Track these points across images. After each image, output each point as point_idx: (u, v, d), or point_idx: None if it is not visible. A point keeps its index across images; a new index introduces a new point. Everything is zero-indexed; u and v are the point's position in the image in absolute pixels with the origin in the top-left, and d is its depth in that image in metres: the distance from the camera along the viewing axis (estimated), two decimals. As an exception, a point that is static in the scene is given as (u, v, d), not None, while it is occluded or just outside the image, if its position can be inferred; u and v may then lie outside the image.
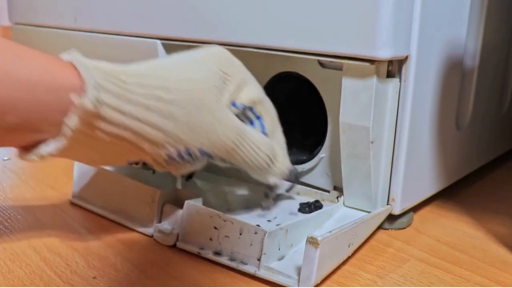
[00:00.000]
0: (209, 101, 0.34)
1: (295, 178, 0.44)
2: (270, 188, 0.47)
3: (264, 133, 0.40)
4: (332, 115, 0.46)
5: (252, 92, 0.39)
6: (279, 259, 0.38)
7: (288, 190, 0.50)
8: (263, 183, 0.41)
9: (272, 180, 0.40)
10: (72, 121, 0.28)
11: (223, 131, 0.35)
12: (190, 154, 0.34)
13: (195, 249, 0.39)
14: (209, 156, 0.35)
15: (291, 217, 0.45)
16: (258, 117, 0.40)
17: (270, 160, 0.39)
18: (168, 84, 0.33)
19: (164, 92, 0.32)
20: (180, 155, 0.34)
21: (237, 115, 0.37)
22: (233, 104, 0.37)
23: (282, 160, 0.41)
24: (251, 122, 0.40)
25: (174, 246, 0.40)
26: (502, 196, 0.55)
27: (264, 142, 0.38)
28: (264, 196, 0.48)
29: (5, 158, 0.62)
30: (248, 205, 0.48)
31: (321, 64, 0.46)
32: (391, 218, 0.45)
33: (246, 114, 0.39)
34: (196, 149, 0.34)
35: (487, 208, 0.51)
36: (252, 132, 0.38)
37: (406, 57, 0.40)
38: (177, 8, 0.49)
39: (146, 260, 0.39)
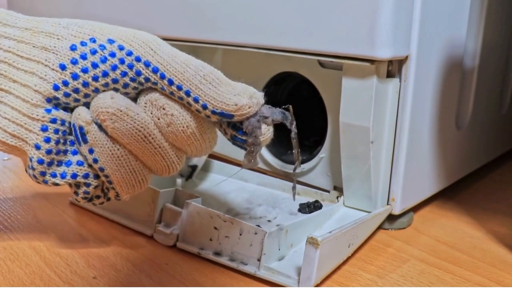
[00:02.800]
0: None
1: (283, 114, 0.34)
2: (248, 133, 0.33)
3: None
4: (332, 115, 0.46)
5: None
6: (279, 260, 0.38)
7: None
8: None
9: (243, 101, 0.31)
10: None
11: (135, 30, 0.33)
12: (102, 47, 0.32)
13: (195, 249, 0.39)
14: (129, 53, 0.32)
15: (291, 217, 0.45)
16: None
17: (217, 74, 0.32)
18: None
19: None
20: (88, 46, 0.32)
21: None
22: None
23: (234, 83, 0.32)
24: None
25: (174, 246, 0.40)
26: (502, 196, 0.55)
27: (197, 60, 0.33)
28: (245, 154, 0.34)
29: (5, 158, 0.62)
30: (249, 205, 0.48)
31: (321, 64, 0.46)
32: (391, 218, 0.45)
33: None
34: (105, 38, 0.32)
35: (487, 208, 0.51)
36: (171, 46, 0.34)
37: (406, 57, 0.40)
38: (177, 8, 0.49)
39: (146, 260, 0.39)
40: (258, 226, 0.37)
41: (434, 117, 0.46)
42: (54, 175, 0.34)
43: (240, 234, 0.37)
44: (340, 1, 0.38)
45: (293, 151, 0.37)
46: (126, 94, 0.33)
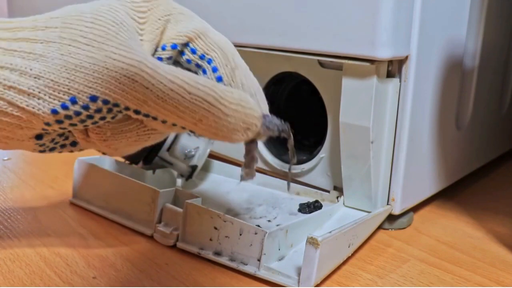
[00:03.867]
0: (95, 31, 0.28)
1: (281, 131, 0.32)
2: (246, 152, 0.33)
3: (220, 79, 0.31)
4: (332, 115, 0.46)
5: (185, 26, 0.31)
6: (279, 260, 0.38)
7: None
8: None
9: (236, 137, 0.29)
10: None
11: (115, 65, 0.27)
12: (86, 107, 0.28)
13: (195, 249, 0.39)
14: (115, 105, 0.28)
15: (291, 217, 0.45)
16: (209, 61, 0.31)
17: (216, 102, 0.28)
18: (36, 23, 0.29)
19: (29, 30, 0.28)
20: (70, 109, 0.28)
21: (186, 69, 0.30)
22: (162, 48, 0.31)
23: (248, 104, 0.29)
24: (204, 71, 0.31)
25: (174, 246, 0.40)
26: (502, 196, 0.55)
27: (195, 79, 0.28)
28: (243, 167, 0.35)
29: (5, 158, 0.62)
30: (249, 205, 0.48)
31: (321, 64, 0.46)
32: (391, 218, 0.45)
33: (192, 61, 0.31)
34: (86, 96, 0.27)
35: (487, 208, 0.51)
36: (168, 67, 0.28)
37: (406, 57, 0.40)
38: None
39: (146, 260, 0.39)
40: (258, 226, 0.37)
41: (434, 117, 0.46)
42: (60, 152, 0.33)
43: (240, 234, 0.37)
44: (340, 2, 0.38)
45: (289, 152, 0.37)
46: None
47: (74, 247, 0.40)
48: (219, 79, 0.31)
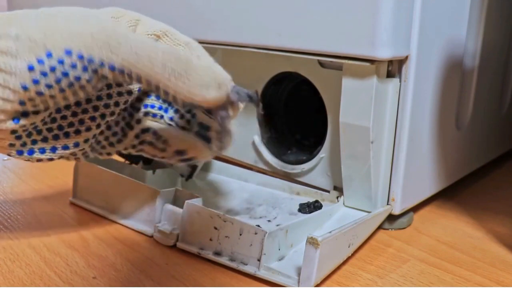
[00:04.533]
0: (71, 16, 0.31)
1: (249, 97, 0.33)
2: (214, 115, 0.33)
3: None
4: (332, 115, 0.46)
5: (152, 26, 0.35)
6: (279, 260, 0.38)
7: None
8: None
9: (211, 92, 0.31)
10: None
11: (90, 24, 0.30)
12: (61, 62, 0.30)
13: (195, 249, 0.39)
14: (90, 61, 0.30)
15: (291, 217, 0.45)
16: None
17: (188, 61, 0.30)
18: (15, 11, 0.31)
19: (8, 14, 0.30)
20: (45, 64, 0.29)
21: None
22: None
23: (218, 67, 0.32)
24: None
25: (174, 246, 0.40)
26: (502, 196, 0.55)
27: (162, 45, 0.31)
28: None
29: (5, 158, 0.62)
30: (249, 205, 0.48)
31: (321, 64, 0.46)
32: (391, 218, 0.45)
33: None
34: (61, 49, 0.29)
35: (487, 208, 0.51)
36: (134, 34, 0.31)
37: (406, 57, 0.40)
38: (177, 8, 0.49)
39: (146, 260, 0.39)
40: (258, 226, 0.37)
41: (434, 117, 0.46)
42: (42, 152, 0.34)
43: (240, 234, 0.37)
44: (340, 1, 0.38)
45: (260, 127, 0.38)
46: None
47: (74, 247, 0.40)
48: None
